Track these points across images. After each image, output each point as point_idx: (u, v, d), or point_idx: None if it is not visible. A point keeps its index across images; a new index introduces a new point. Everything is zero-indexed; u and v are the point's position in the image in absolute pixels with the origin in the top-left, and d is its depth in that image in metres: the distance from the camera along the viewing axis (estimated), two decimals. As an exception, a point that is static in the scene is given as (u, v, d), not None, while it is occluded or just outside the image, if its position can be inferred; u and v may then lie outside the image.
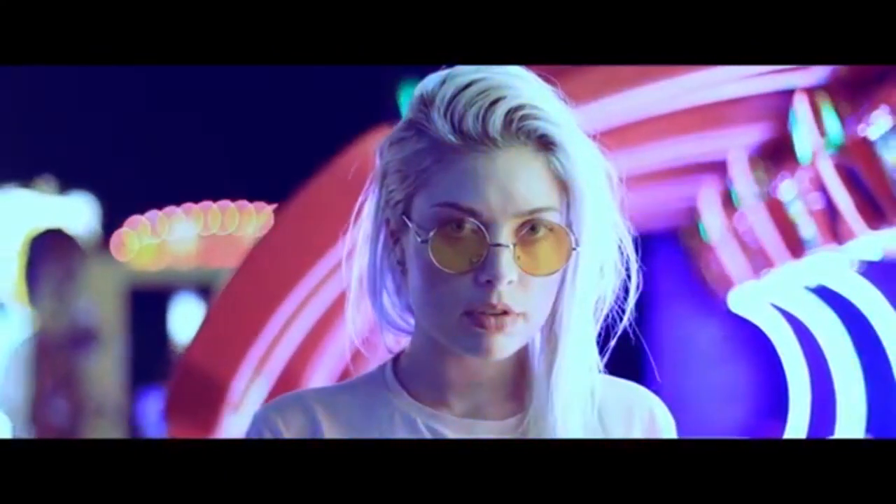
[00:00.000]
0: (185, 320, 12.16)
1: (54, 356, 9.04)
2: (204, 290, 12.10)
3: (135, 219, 12.89)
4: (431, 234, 1.38)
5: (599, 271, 1.44)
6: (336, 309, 4.64)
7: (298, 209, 4.35)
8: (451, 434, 1.44)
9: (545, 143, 1.39)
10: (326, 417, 1.46)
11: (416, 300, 1.42)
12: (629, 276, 1.46)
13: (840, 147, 4.55)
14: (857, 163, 4.45)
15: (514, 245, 1.37)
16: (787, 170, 5.63)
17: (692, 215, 8.20)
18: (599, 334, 1.46)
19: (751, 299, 8.20)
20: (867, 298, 6.27)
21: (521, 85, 1.39)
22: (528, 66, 1.43)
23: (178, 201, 13.04)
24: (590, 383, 1.45)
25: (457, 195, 1.37)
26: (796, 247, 5.95)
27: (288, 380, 4.75)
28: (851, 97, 4.50)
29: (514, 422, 1.45)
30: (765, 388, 9.28)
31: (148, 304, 12.08)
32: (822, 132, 4.69)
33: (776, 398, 8.91)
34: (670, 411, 1.51)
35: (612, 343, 1.47)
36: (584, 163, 1.40)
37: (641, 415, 1.48)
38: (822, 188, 5.05)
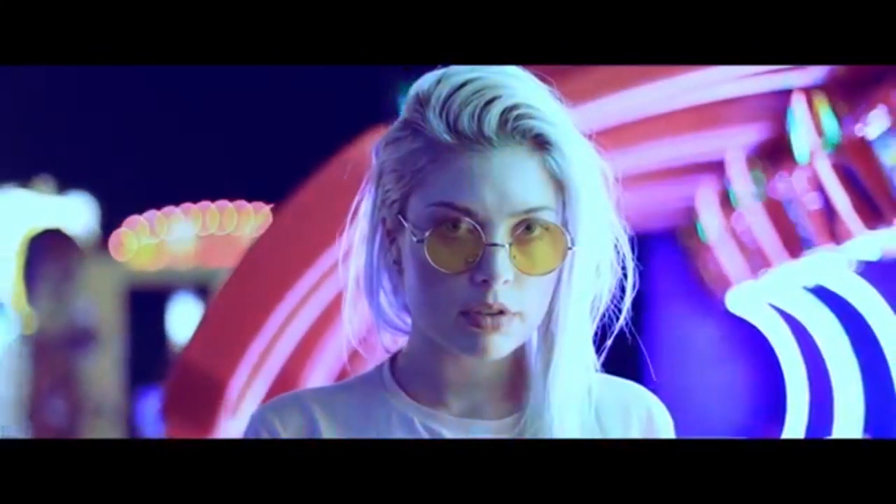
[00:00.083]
0: (183, 320, 12.16)
1: (53, 356, 9.04)
2: (202, 290, 12.11)
3: (133, 219, 12.89)
4: (427, 233, 1.38)
5: (595, 270, 1.44)
6: (333, 309, 4.63)
7: (296, 209, 4.35)
8: (448, 434, 1.44)
9: (540, 143, 1.39)
10: (324, 417, 1.46)
11: (413, 300, 1.42)
12: (625, 276, 1.46)
13: (838, 147, 4.56)
14: (854, 163, 4.45)
15: (510, 244, 1.38)
16: (784, 170, 5.63)
17: (690, 215, 8.20)
18: (596, 333, 1.46)
19: (748, 299, 8.20)
20: (865, 298, 6.27)
21: (516, 84, 1.39)
22: (525, 66, 1.43)
23: (176, 201, 13.05)
24: (587, 382, 1.45)
25: (452, 195, 1.37)
26: (794, 247, 5.95)
27: (285, 379, 4.75)
28: (849, 97, 4.51)
29: (512, 421, 1.45)
30: (762, 388, 9.28)
31: (146, 304, 12.09)
32: (820, 132, 4.69)
33: (774, 398, 8.91)
34: (667, 411, 1.51)
35: (609, 342, 1.47)
36: (579, 162, 1.40)
37: (639, 413, 1.48)
38: (819, 188, 5.06)
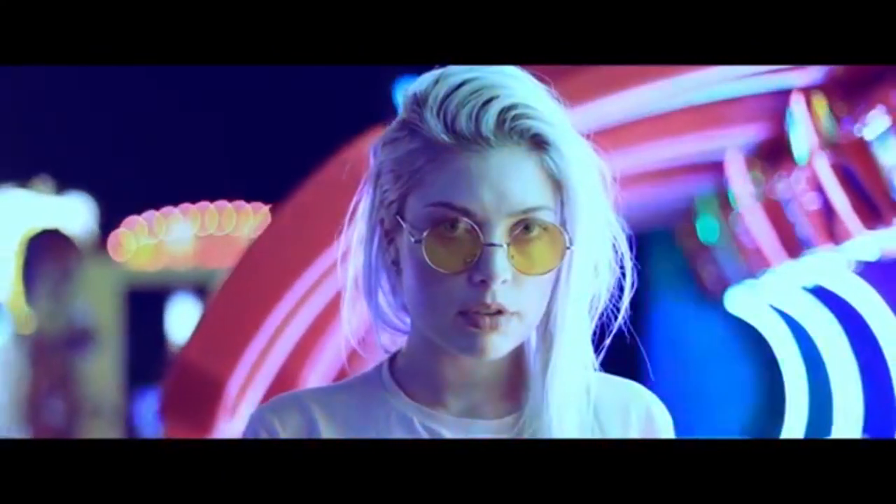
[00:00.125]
0: (181, 320, 12.15)
1: (51, 356, 9.03)
2: (201, 291, 12.10)
3: (132, 219, 12.89)
4: (425, 233, 1.38)
5: (594, 270, 1.44)
6: (332, 309, 4.63)
7: (295, 209, 4.34)
8: (447, 433, 1.44)
9: (538, 143, 1.39)
10: (323, 417, 1.46)
11: (411, 300, 1.42)
12: (624, 275, 1.46)
13: (836, 147, 4.55)
14: (853, 163, 4.45)
15: (508, 244, 1.38)
16: (783, 170, 5.63)
17: (689, 215, 8.20)
18: (595, 333, 1.46)
19: (748, 299, 8.20)
20: (864, 298, 6.27)
21: (514, 84, 1.39)
22: (523, 66, 1.43)
23: (175, 201, 13.04)
24: (585, 381, 1.45)
25: (450, 195, 1.37)
26: (793, 247, 5.95)
27: (284, 380, 4.75)
28: (848, 97, 4.51)
29: (511, 420, 1.45)
30: (762, 389, 9.27)
31: (145, 304, 12.08)
32: (819, 132, 4.69)
33: (773, 398, 8.91)
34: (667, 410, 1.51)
35: (608, 342, 1.47)
36: (577, 162, 1.40)
37: (638, 412, 1.48)
38: (818, 188, 5.05)
